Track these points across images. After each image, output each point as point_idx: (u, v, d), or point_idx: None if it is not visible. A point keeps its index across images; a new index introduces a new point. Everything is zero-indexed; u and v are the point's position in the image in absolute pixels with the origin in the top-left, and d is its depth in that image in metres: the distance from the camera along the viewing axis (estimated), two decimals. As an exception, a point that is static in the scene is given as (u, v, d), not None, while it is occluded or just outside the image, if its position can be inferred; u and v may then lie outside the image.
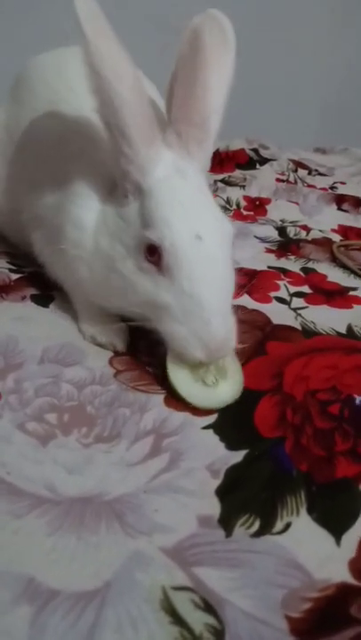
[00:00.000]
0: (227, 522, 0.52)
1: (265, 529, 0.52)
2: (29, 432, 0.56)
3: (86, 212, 0.68)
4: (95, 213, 0.68)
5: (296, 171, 1.80)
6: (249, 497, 0.55)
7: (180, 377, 0.64)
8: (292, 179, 1.74)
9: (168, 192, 0.63)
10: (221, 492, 0.55)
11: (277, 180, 1.70)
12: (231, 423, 0.63)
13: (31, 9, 1.69)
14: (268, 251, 1.20)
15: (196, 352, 0.61)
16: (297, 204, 1.52)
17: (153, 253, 0.62)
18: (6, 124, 0.86)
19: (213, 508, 0.53)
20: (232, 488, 0.55)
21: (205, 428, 0.62)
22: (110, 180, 0.68)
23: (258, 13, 1.96)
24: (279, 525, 0.52)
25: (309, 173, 1.81)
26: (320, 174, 1.83)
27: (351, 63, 2.31)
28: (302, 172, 1.80)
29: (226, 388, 0.66)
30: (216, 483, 0.56)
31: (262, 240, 1.27)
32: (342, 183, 1.77)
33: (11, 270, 0.89)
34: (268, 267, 1.09)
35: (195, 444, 0.59)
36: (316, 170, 1.86)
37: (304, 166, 1.85)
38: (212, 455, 0.58)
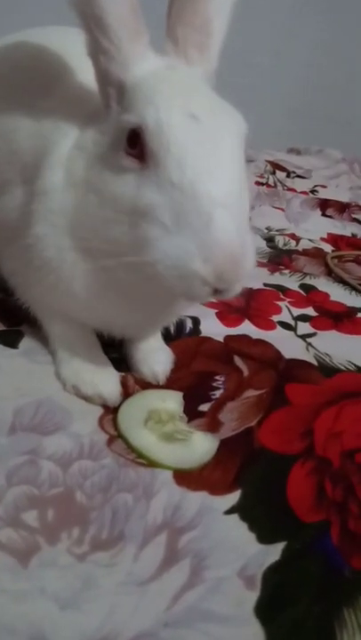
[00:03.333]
0: (277, 660, 0.38)
1: (325, 663, 0.39)
2: (3, 545, 0.41)
3: (52, 171, 0.54)
4: (62, 169, 0.54)
5: (274, 173, 1.70)
6: (298, 616, 0.42)
7: (139, 435, 0.54)
8: (271, 181, 1.63)
9: (154, 80, 0.50)
10: (263, 612, 0.42)
11: (257, 182, 1.58)
12: (260, 503, 0.50)
13: None
14: (260, 264, 1.08)
15: (196, 264, 0.43)
16: (281, 209, 1.41)
17: (134, 143, 0.47)
18: None
19: (257, 638, 0.39)
20: (276, 603, 0.42)
21: (228, 512, 0.49)
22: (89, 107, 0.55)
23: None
24: (343, 657, 0.39)
25: (288, 176, 1.71)
26: (299, 177, 1.73)
27: (311, 62, 2.23)
28: (281, 175, 1.70)
29: (200, 440, 0.55)
30: (254, 597, 0.42)
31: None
32: (323, 186, 1.68)
33: (-33, 300, 0.73)
34: (265, 284, 0.97)
35: (219, 539, 0.46)
36: (294, 172, 1.76)
37: (282, 168, 1.75)
38: (242, 555, 0.45)
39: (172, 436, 0.54)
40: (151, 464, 0.51)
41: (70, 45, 0.63)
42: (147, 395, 0.60)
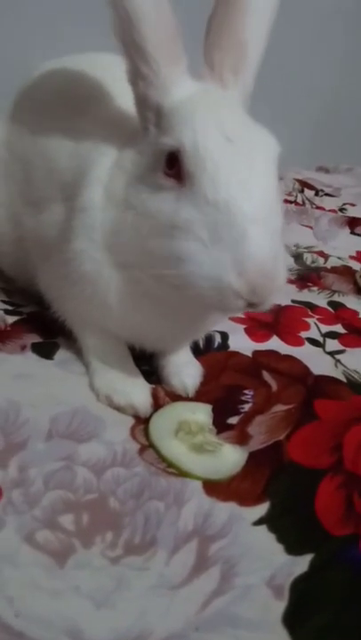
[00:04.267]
0: (304, 668, 0.39)
1: (353, 675, 0.39)
2: (40, 546, 0.43)
3: (93, 188, 0.57)
4: (102, 188, 0.56)
5: (303, 191, 1.71)
6: (324, 626, 0.42)
7: (170, 446, 0.55)
8: (299, 200, 1.64)
9: (190, 104, 0.52)
10: (290, 620, 0.42)
11: (285, 201, 1.60)
12: (288, 515, 0.51)
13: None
14: (288, 281, 1.09)
15: (231, 277, 0.45)
16: (310, 227, 1.42)
17: (172, 164, 0.49)
18: (7, 141, 0.74)
19: (284, 646, 0.40)
20: (302, 612, 0.43)
21: (257, 523, 0.50)
22: (128, 129, 0.58)
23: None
24: (370, 668, 0.40)
25: (316, 194, 1.72)
26: (327, 195, 1.74)
27: (338, 77, 2.24)
28: (309, 193, 1.71)
29: (229, 452, 0.56)
30: (281, 606, 0.43)
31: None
32: (352, 205, 1.68)
33: (7, 312, 0.76)
34: (293, 301, 0.98)
35: (248, 548, 0.47)
36: (323, 190, 1.77)
37: (310, 186, 1.76)
38: (271, 564, 0.46)
39: (202, 448, 0.55)
40: (181, 474, 0.53)
41: (109, 71, 0.66)
42: (177, 406, 0.61)
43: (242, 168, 0.47)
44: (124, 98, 0.60)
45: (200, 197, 0.47)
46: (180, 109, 0.51)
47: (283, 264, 0.47)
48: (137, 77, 0.53)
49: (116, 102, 0.64)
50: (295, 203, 1.60)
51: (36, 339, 0.71)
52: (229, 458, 0.55)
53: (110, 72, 0.69)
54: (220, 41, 0.55)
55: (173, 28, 0.51)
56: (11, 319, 0.74)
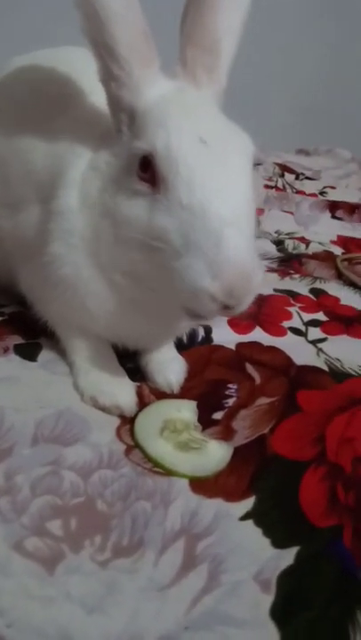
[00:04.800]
0: (292, 661, 0.40)
1: (339, 664, 0.41)
2: (30, 553, 0.44)
3: (67, 192, 0.56)
4: (77, 192, 0.56)
5: (283, 175, 1.71)
6: (312, 619, 0.44)
7: (156, 445, 0.55)
8: (280, 184, 1.64)
9: (164, 103, 0.52)
10: (278, 614, 0.43)
11: (266, 186, 1.59)
12: (274, 509, 0.52)
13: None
14: (270, 269, 1.10)
15: (205, 281, 0.44)
16: (291, 213, 1.42)
17: (146, 167, 0.49)
18: None
19: (272, 640, 0.41)
20: (289, 606, 0.44)
21: (243, 518, 0.51)
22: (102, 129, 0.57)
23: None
24: (356, 657, 0.41)
25: (297, 178, 1.72)
26: (308, 178, 1.74)
27: (321, 62, 2.23)
28: (290, 177, 1.71)
29: (215, 448, 0.57)
30: (269, 600, 0.44)
31: (261, 257, 1.16)
32: (332, 187, 1.68)
33: (-13, 313, 0.76)
34: (275, 290, 0.99)
35: (235, 545, 0.48)
36: (303, 173, 1.77)
37: (291, 170, 1.76)
38: (258, 559, 0.47)
39: (188, 445, 0.56)
40: (168, 473, 0.53)
41: (82, 67, 0.65)
42: (162, 405, 0.62)
43: (217, 170, 0.47)
44: (97, 95, 0.59)
45: (175, 202, 0.47)
46: (153, 111, 0.51)
47: (258, 265, 0.47)
48: (109, 78, 0.52)
49: (89, 100, 0.63)
50: (276, 188, 1.60)
51: (18, 340, 0.70)
52: (215, 454, 0.56)
53: (83, 67, 0.68)
54: (193, 39, 0.54)
55: (144, 28, 0.51)
56: (-8, 321, 0.74)
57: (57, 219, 0.56)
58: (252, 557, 0.47)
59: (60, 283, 0.58)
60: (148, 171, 0.49)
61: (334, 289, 1.03)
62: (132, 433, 0.57)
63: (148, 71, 0.52)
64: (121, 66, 0.51)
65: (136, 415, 0.60)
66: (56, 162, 0.60)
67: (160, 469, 0.53)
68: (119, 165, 0.53)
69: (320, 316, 0.91)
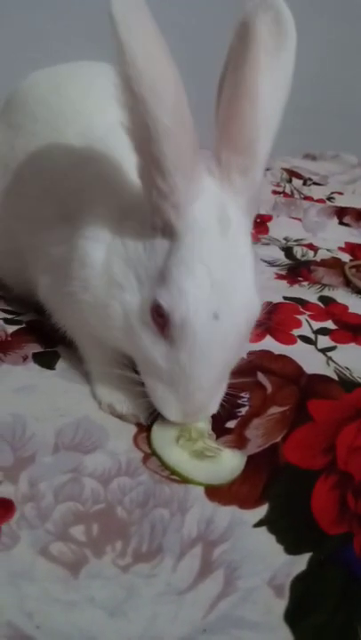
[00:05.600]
0: (305, 663, 0.42)
1: (350, 667, 0.42)
2: (55, 558, 0.46)
3: (94, 244, 0.58)
4: (105, 245, 0.58)
5: (290, 181, 1.72)
6: (324, 622, 0.45)
7: (172, 453, 0.58)
8: (288, 190, 1.66)
9: (199, 250, 0.52)
10: (291, 618, 0.45)
11: (274, 192, 1.61)
12: (286, 516, 0.54)
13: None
14: (278, 276, 1.12)
15: (171, 415, 0.57)
16: (299, 219, 1.44)
17: (161, 315, 0.53)
18: None
19: (286, 643, 0.43)
20: (302, 610, 0.46)
21: (257, 525, 0.53)
22: (128, 203, 0.58)
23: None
24: (366, 661, 0.43)
25: (304, 183, 1.74)
26: (315, 184, 1.75)
27: (322, 59, 2.23)
28: (297, 182, 1.73)
29: (229, 457, 0.59)
30: (283, 604, 0.46)
31: (270, 264, 1.18)
32: (339, 193, 1.70)
33: (6, 321, 0.78)
34: (284, 297, 1.01)
35: (250, 551, 0.50)
36: (310, 179, 1.78)
37: (298, 175, 1.77)
38: (271, 565, 0.49)
39: (203, 454, 0.58)
40: (184, 480, 0.55)
41: (101, 84, 0.67)
42: None
43: (216, 351, 0.53)
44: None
45: (174, 357, 0.53)
46: (187, 250, 0.52)
47: (218, 401, 0.58)
48: (150, 185, 0.51)
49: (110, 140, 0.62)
50: (284, 194, 1.62)
51: (36, 348, 0.72)
52: (229, 463, 0.58)
53: (102, 84, 0.70)
54: (228, 139, 0.52)
55: (193, 142, 0.50)
56: (10, 329, 0.76)
57: (78, 266, 0.60)
58: (265, 563, 0.49)
59: (79, 303, 0.60)
60: (161, 317, 0.53)
61: (343, 296, 1.04)
62: (148, 442, 0.59)
63: (192, 185, 0.51)
64: (165, 179, 0.50)
65: (152, 423, 0.61)
66: (82, 194, 0.62)
67: (176, 477, 0.55)
68: (146, 272, 0.55)
69: (329, 324, 0.93)
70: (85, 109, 0.69)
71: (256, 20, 0.49)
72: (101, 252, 0.58)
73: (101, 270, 0.58)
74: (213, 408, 0.58)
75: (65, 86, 0.72)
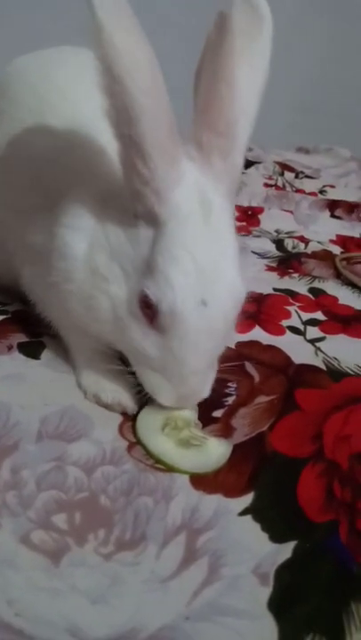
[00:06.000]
0: (289, 651, 0.42)
1: (335, 654, 0.42)
2: (36, 546, 0.45)
3: (74, 234, 0.58)
4: (87, 234, 0.57)
5: (283, 174, 1.72)
6: (308, 610, 0.45)
7: (157, 442, 0.57)
8: (280, 183, 1.65)
9: (183, 237, 0.52)
10: (276, 606, 0.45)
11: (265, 184, 1.61)
12: (272, 505, 0.53)
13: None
14: (269, 268, 1.11)
15: (166, 400, 0.57)
16: (291, 212, 1.43)
17: (149, 306, 0.52)
18: None
19: (270, 631, 0.43)
20: (287, 598, 0.46)
21: (242, 513, 0.52)
22: (110, 191, 0.57)
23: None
24: (351, 647, 0.43)
25: (296, 176, 1.74)
26: (307, 177, 1.75)
27: (320, 60, 2.23)
28: (289, 175, 1.72)
29: (215, 445, 0.58)
30: (267, 592, 0.46)
31: (261, 256, 1.17)
32: (331, 186, 1.70)
33: (-9, 311, 0.77)
34: (274, 289, 1.00)
35: (235, 539, 0.49)
36: (303, 172, 1.78)
37: (290, 168, 1.77)
38: (256, 554, 0.48)
39: (189, 442, 0.57)
40: (169, 469, 0.54)
41: (85, 70, 0.66)
42: None
43: (207, 336, 0.53)
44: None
45: (166, 346, 0.53)
46: (171, 237, 0.52)
47: (209, 385, 0.58)
48: (131, 171, 0.51)
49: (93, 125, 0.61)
50: (276, 186, 1.61)
51: (22, 338, 0.72)
52: (215, 451, 0.57)
53: (86, 70, 0.69)
54: (207, 120, 0.52)
55: (171, 123, 0.50)
56: (-4, 319, 0.75)
57: (60, 259, 0.59)
58: (250, 552, 0.48)
59: (65, 293, 0.59)
60: (150, 308, 0.52)
61: (333, 288, 1.04)
62: (133, 429, 0.58)
63: (172, 169, 0.51)
64: (146, 164, 0.49)
65: (138, 413, 0.61)
66: (66, 178, 0.61)
67: (162, 466, 0.55)
68: (131, 262, 0.54)
69: (319, 315, 0.92)
70: (72, 96, 0.68)
71: (233, 8, 0.51)
72: (83, 243, 0.57)
73: (83, 261, 0.57)
74: (206, 392, 0.57)
75: (51, 72, 0.71)
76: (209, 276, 0.52)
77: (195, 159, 0.54)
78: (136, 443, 0.57)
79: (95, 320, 0.58)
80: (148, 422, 0.59)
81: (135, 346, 0.56)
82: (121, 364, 0.67)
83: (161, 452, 0.55)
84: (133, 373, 0.64)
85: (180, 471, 0.54)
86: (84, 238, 0.57)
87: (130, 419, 0.61)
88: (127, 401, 0.62)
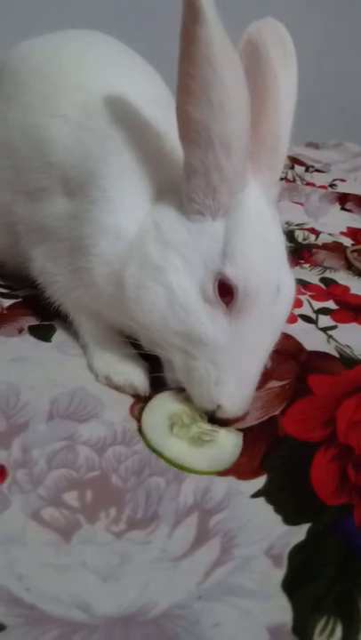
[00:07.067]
0: (303, 631, 0.41)
1: (349, 635, 0.41)
2: (47, 523, 0.45)
3: (126, 220, 0.58)
4: (137, 222, 0.57)
5: (293, 167, 1.70)
6: (322, 591, 0.44)
7: (170, 446, 0.54)
8: (290, 176, 1.64)
9: (258, 230, 0.54)
10: (289, 587, 0.44)
11: (275, 177, 1.60)
12: (285, 487, 0.53)
13: None
14: (280, 259, 1.10)
15: (206, 405, 0.56)
16: (301, 204, 1.42)
17: (227, 291, 0.53)
18: None
19: (284, 611, 0.42)
20: (301, 579, 0.45)
21: (255, 495, 0.51)
22: (161, 180, 0.58)
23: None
24: (366, 629, 0.42)
25: (307, 170, 1.72)
26: (317, 171, 1.74)
27: (323, 51, 2.21)
28: (299, 169, 1.71)
29: (226, 437, 0.57)
30: (280, 573, 0.45)
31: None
32: (342, 180, 1.68)
33: (2, 295, 0.76)
34: (285, 279, 0.99)
35: (247, 520, 0.49)
36: (313, 166, 1.77)
37: (300, 162, 1.76)
38: (269, 535, 0.48)
39: (200, 439, 0.55)
40: (188, 472, 0.52)
41: (97, 51, 0.66)
42: (165, 398, 0.59)
43: (276, 323, 0.56)
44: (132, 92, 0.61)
45: (238, 333, 0.53)
46: (248, 230, 0.53)
47: (249, 403, 0.56)
48: (212, 169, 0.51)
49: (129, 97, 0.62)
50: (286, 179, 1.60)
51: (32, 321, 0.71)
52: (229, 444, 0.55)
53: (99, 52, 0.68)
54: (258, 137, 0.54)
55: (248, 131, 0.51)
56: (7, 302, 0.75)
57: (108, 240, 0.58)
58: (263, 533, 0.48)
59: (83, 275, 0.60)
60: (228, 293, 0.52)
61: (344, 278, 1.03)
62: (142, 437, 0.55)
63: (244, 174, 0.53)
64: (232, 162, 0.51)
65: (150, 397, 0.60)
66: (89, 166, 0.60)
67: (179, 470, 0.52)
68: (196, 254, 0.54)
69: (330, 304, 0.91)
70: (82, 80, 0.67)
71: (264, 40, 0.54)
72: (130, 227, 0.57)
73: (131, 249, 0.57)
74: (243, 411, 0.57)
75: (60, 56, 0.70)
76: (281, 266, 0.56)
77: (249, 174, 0.56)
78: (151, 452, 0.54)
79: (141, 311, 0.56)
80: (155, 426, 0.56)
81: (200, 330, 0.54)
82: (132, 347, 0.66)
83: (176, 457, 0.53)
84: (145, 356, 0.64)
85: (199, 473, 0.53)
86: (134, 227, 0.57)
87: (141, 401, 0.60)
88: (139, 383, 0.61)
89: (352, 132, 2.04)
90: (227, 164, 0.51)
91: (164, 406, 0.59)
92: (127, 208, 0.58)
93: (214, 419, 0.56)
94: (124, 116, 0.61)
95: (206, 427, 0.57)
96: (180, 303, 0.54)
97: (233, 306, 0.53)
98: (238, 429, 0.58)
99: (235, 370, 0.53)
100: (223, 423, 0.56)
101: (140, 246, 0.56)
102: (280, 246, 0.57)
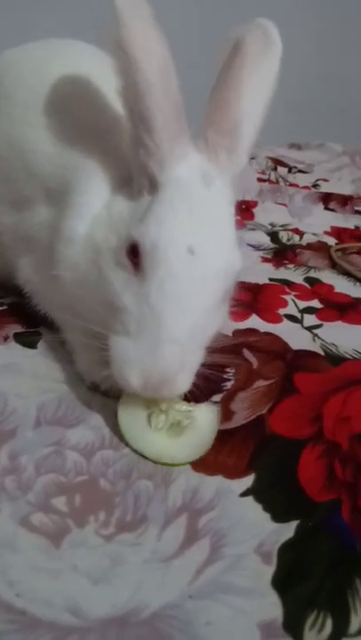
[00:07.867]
0: (293, 627, 0.42)
1: (340, 629, 0.42)
2: (36, 528, 0.45)
3: (77, 222, 0.58)
4: (88, 220, 0.58)
5: (276, 169, 1.72)
6: (312, 587, 0.45)
7: (151, 442, 0.54)
8: (273, 178, 1.65)
9: (179, 192, 0.53)
10: (279, 584, 0.44)
11: (259, 179, 1.61)
12: (273, 485, 0.53)
13: None
14: (264, 259, 1.11)
15: (132, 377, 0.50)
16: (284, 205, 1.44)
17: (136, 252, 0.51)
18: None
19: (274, 607, 0.43)
20: (291, 576, 0.45)
21: (244, 494, 0.52)
22: (124, 171, 0.58)
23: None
24: (356, 623, 0.42)
25: (290, 171, 1.74)
26: (300, 172, 1.75)
27: (310, 52, 2.23)
28: (282, 170, 1.73)
29: (203, 415, 0.56)
30: (270, 570, 0.45)
31: (256, 248, 1.17)
32: (325, 180, 1.70)
33: (-14, 304, 0.76)
34: (270, 279, 1.00)
35: (237, 519, 0.49)
36: (296, 167, 1.78)
37: (283, 164, 1.77)
38: (258, 533, 0.48)
39: (180, 425, 0.55)
40: (173, 466, 0.53)
41: (80, 62, 0.66)
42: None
43: (190, 287, 0.50)
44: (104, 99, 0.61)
45: (143, 293, 0.50)
46: (167, 192, 0.53)
47: (189, 374, 0.52)
48: (138, 145, 0.53)
49: (100, 103, 0.63)
50: (269, 181, 1.62)
51: (18, 329, 0.71)
52: (206, 423, 0.56)
53: (82, 63, 0.69)
54: (214, 121, 0.56)
55: (177, 100, 0.52)
56: (-9, 311, 0.75)
57: (66, 245, 0.59)
58: (253, 531, 0.48)
59: (70, 284, 0.60)
60: (136, 254, 0.51)
61: (328, 277, 1.04)
62: (120, 435, 0.54)
63: (177, 145, 0.53)
64: (152, 137, 0.52)
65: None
66: (67, 175, 0.61)
67: (163, 465, 0.53)
68: (125, 229, 0.54)
69: (315, 303, 0.92)
70: (66, 88, 0.67)
71: (244, 35, 0.54)
72: (83, 227, 0.58)
73: (85, 245, 0.57)
74: (183, 382, 0.51)
75: (46, 66, 0.70)
76: (203, 228, 0.52)
77: (202, 152, 0.56)
78: (131, 450, 0.54)
79: (95, 300, 0.56)
80: (132, 421, 0.54)
81: (114, 297, 0.52)
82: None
83: (157, 454, 0.53)
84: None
85: (182, 464, 0.53)
86: (85, 224, 0.58)
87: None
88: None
89: (352, 132, 2.06)
90: (150, 141, 0.52)
91: (137, 397, 0.56)
92: (88, 208, 0.58)
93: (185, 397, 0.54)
94: (95, 123, 0.62)
95: (183, 407, 0.57)
96: (103, 278, 0.54)
97: (140, 266, 0.51)
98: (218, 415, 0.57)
99: (141, 342, 0.50)
100: (195, 400, 0.55)
101: (91, 238, 0.56)
102: (212, 213, 0.54)
